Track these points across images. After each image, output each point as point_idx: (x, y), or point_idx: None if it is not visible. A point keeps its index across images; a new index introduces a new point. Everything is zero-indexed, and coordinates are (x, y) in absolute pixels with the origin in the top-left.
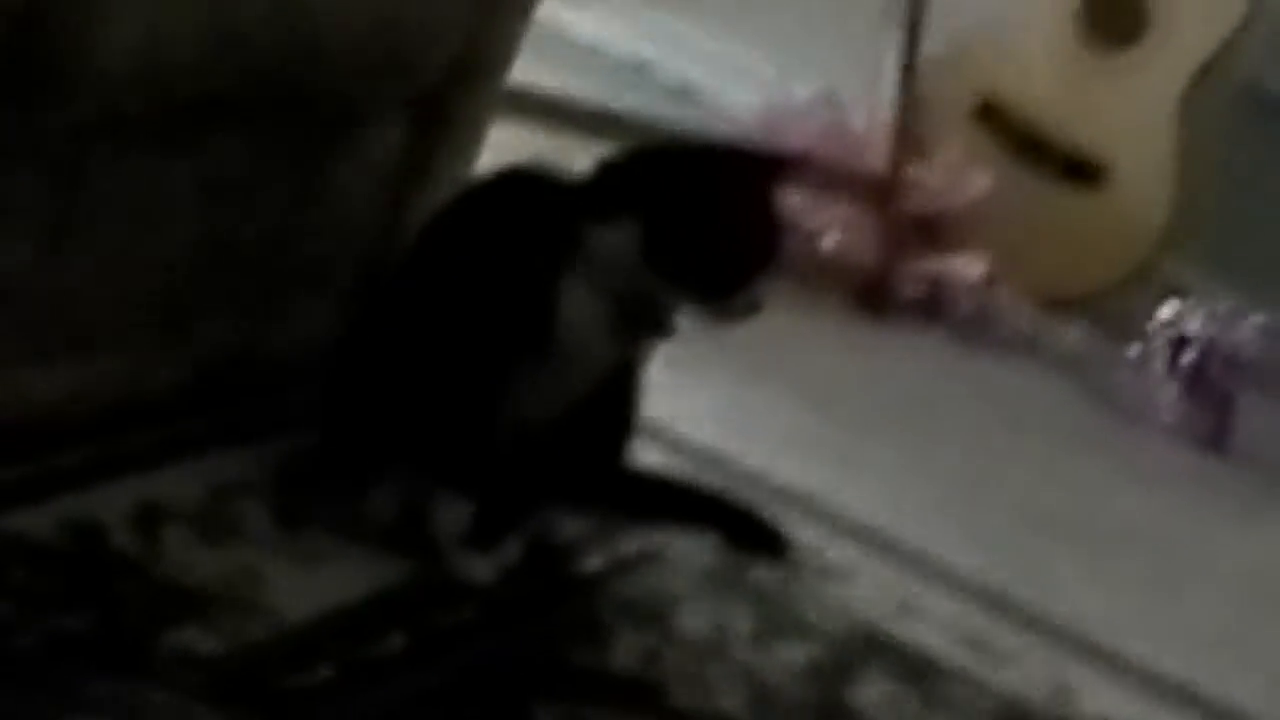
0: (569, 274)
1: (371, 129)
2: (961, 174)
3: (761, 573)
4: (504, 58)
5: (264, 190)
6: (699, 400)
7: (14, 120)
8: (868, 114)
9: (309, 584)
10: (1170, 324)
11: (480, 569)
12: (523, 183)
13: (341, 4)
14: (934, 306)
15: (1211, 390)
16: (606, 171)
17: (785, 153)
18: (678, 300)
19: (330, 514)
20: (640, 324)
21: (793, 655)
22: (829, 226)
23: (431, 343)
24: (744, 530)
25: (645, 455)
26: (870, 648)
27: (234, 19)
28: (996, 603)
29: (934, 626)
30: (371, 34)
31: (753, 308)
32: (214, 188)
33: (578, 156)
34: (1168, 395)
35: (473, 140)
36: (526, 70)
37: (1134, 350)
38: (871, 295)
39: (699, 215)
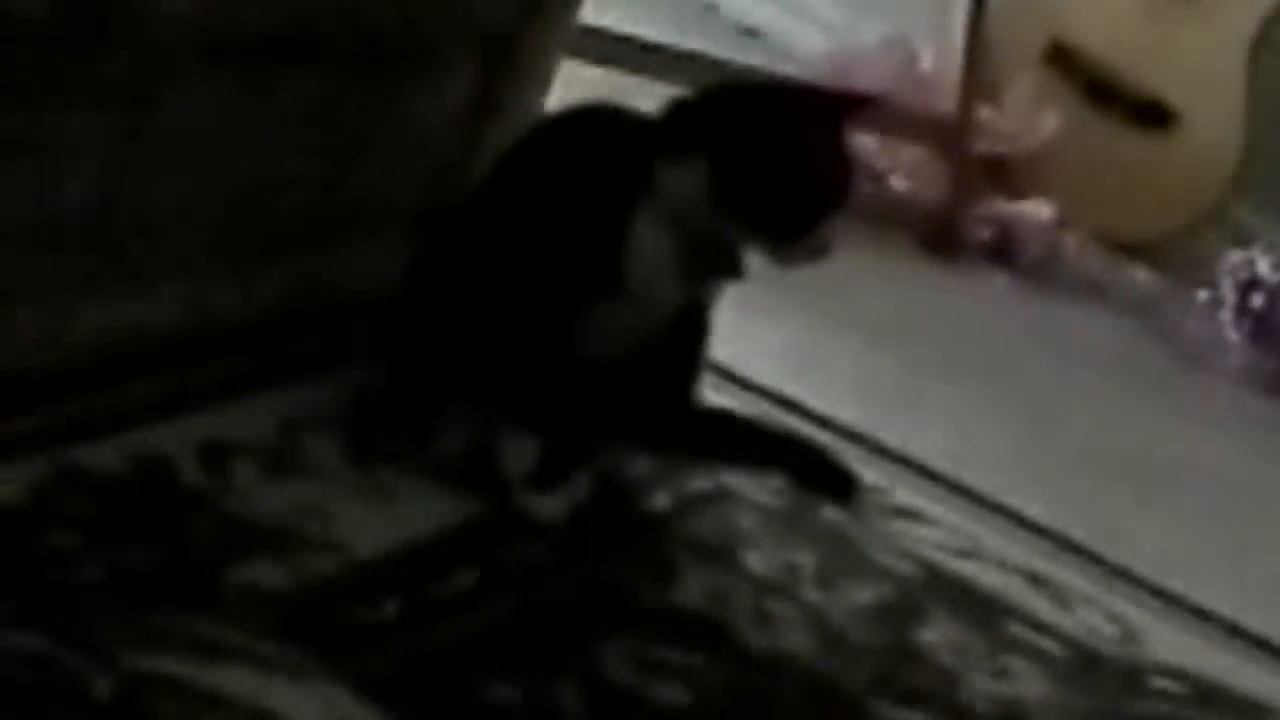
0: (640, 212)
1: (442, 65)
2: (1031, 117)
3: (829, 513)
4: None
5: (333, 126)
6: (768, 341)
7: (77, 56)
8: (937, 56)
9: (377, 519)
10: (1239, 269)
11: (549, 506)
12: (596, 120)
13: None
14: (1003, 249)
15: (1275, 332)
16: (678, 111)
17: (854, 94)
18: (747, 241)
19: (399, 450)
20: (709, 264)
21: (860, 596)
22: (898, 168)
23: (502, 278)
24: (812, 470)
25: (714, 396)
26: (937, 589)
27: None
28: (1064, 546)
29: (1001, 569)
30: None
31: (822, 249)
32: (282, 123)
33: (646, 96)
34: (1236, 340)
35: (543, 77)
36: (597, 9)
37: (1202, 295)
38: (940, 238)
39: (768, 155)
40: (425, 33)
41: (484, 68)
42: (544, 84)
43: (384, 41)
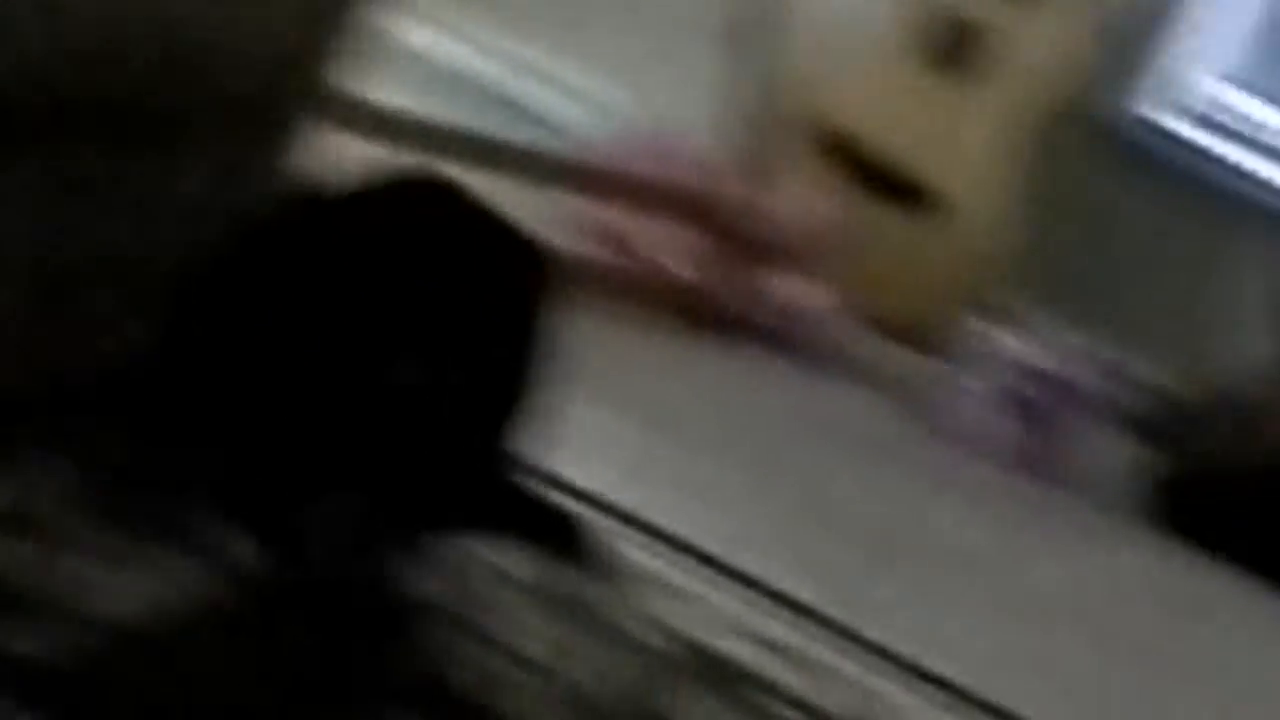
0: None
1: (191, 132)
2: (804, 200)
3: (588, 589)
4: (329, 64)
5: (82, 198)
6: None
7: None
8: (712, 139)
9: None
10: (1004, 352)
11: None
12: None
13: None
14: (775, 332)
15: (1042, 418)
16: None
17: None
18: None
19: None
20: None
21: (616, 669)
22: (670, 251)
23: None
24: (542, 529)
25: None
26: (694, 665)
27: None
28: (824, 624)
29: (759, 646)
30: (183, 42)
31: None
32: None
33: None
34: (1000, 422)
35: (295, 145)
36: (375, 86)
37: (968, 377)
38: (711, 319)
39: None
40: (173, 100)
41: (233, 135)
42: (296, 151)
43: (132, 109)
